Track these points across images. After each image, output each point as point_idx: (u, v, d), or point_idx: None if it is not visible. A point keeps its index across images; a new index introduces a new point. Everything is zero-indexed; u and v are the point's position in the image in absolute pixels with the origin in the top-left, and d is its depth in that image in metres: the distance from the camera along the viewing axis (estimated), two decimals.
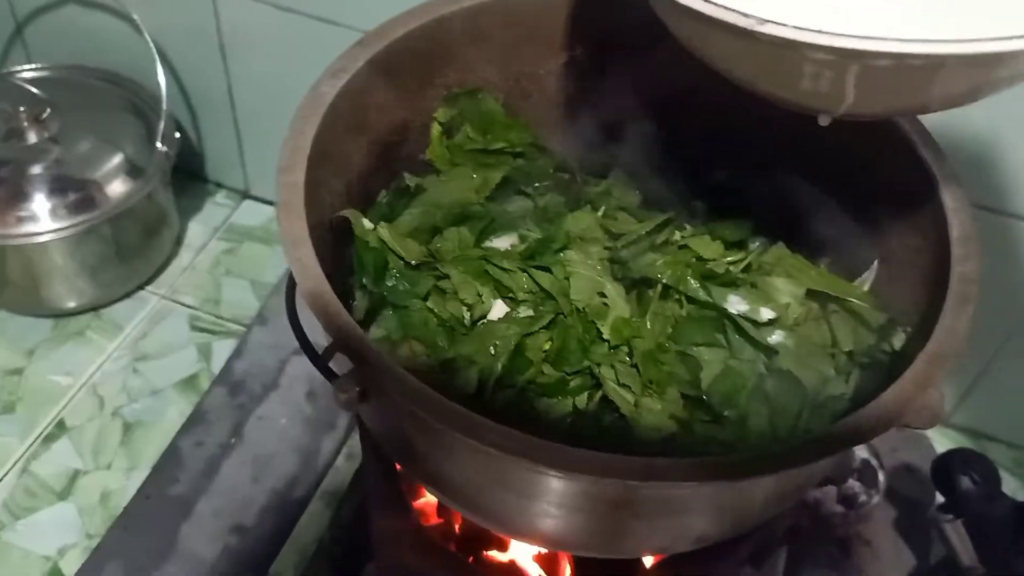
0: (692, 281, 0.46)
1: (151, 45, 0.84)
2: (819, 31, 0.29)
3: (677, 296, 0.47)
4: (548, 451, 0.33)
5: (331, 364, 0.39)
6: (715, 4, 0.30)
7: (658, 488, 0.34)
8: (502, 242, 0.53)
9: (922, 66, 0.29)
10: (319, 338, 0.41)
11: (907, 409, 0.34)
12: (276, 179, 0.41)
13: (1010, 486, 0.84)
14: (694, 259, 0.48)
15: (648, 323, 0.47)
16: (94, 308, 0.90)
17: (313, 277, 0.38)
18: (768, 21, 0.29)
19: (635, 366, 0.46)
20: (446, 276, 0.48)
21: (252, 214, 1.00)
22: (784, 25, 0.29)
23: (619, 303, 0.47)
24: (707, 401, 0.44)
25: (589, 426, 0.44)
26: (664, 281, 0.46)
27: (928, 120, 0.46)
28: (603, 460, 0.33)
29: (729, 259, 0.48)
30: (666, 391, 0.44)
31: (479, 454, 0.35)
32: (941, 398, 0.35)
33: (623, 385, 0.44)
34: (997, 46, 0.28)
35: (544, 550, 0.55)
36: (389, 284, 0.48)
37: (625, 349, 0.46)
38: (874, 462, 0.76)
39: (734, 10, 0.30)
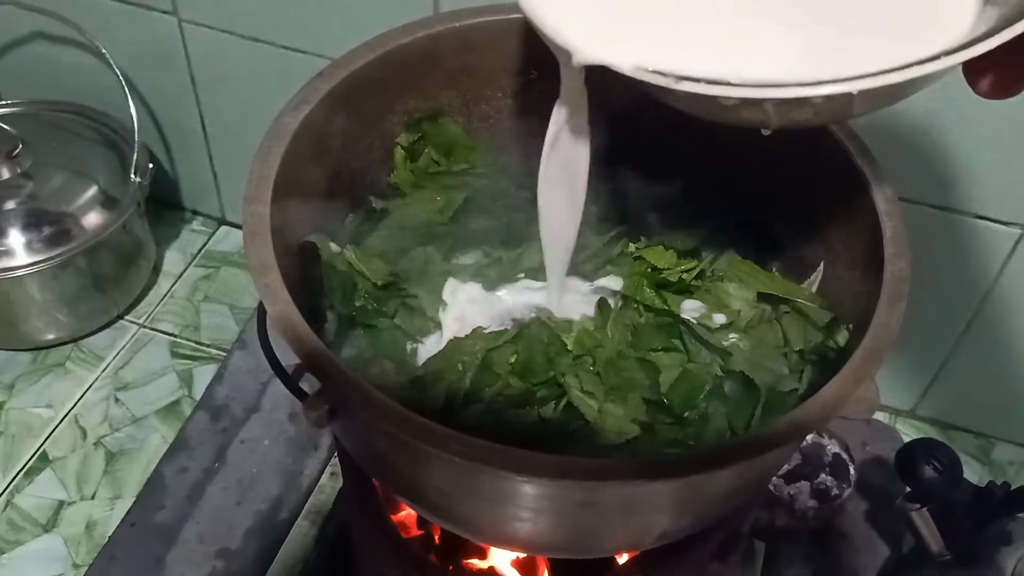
0: (647, 290, 0.48)
1: (120, 77, 0.86)
2: (729, 84, 0.31)
3: (635, 305, 0.49)
4: (508, 456, 0.34)
5: (302, 384, 0.41)
6: (637, 67, 0.33)
7: (613, 487, 0.35)
8: (467, 259, 0.55)
9: (829, 99, 0.31)
10: (292, 360, 0.43)
11: (845, 402, 0.36)
12: (242, 208, 0.43)
13: (976, 473, 0.87)
14: (649, 269, 0.50)
15: (609, 332, 0.49)
16: (73, 339, 0.91)
17: (281, 301, 0.39)
18: (684, 79, 0.32)
19: (598, 374, 0.47)
20: (414, 296, 0.50)
21: (229, 240, 1.02)
22: (698, 81, 0.31)
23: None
24: (667, 404, 0.46)
25: (555, 434, 0.46)
26: (621, 292, 0.48)
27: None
28: (561, 462, 0.35)
29: (682, 267, 0.50)
30: (628, 396, 0.46)
31: (445, 463, 0.37)
32: (876, 390, 0.37)
33: (587, 392, 0.46)
34: (894, 77, 0.30)
35: (521, 555, 0.56)
36: (358, 304, 0.49)
37: (589, 359, 0.48)
38: (845, 456, 0.78)
39: (652, 71, 0.32)
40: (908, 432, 0.88)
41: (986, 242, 0.74)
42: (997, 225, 0.73)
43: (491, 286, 0.52)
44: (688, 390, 0.46)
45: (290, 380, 0.38)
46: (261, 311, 0.44)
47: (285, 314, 0.38)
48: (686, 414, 0.46)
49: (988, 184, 0.71)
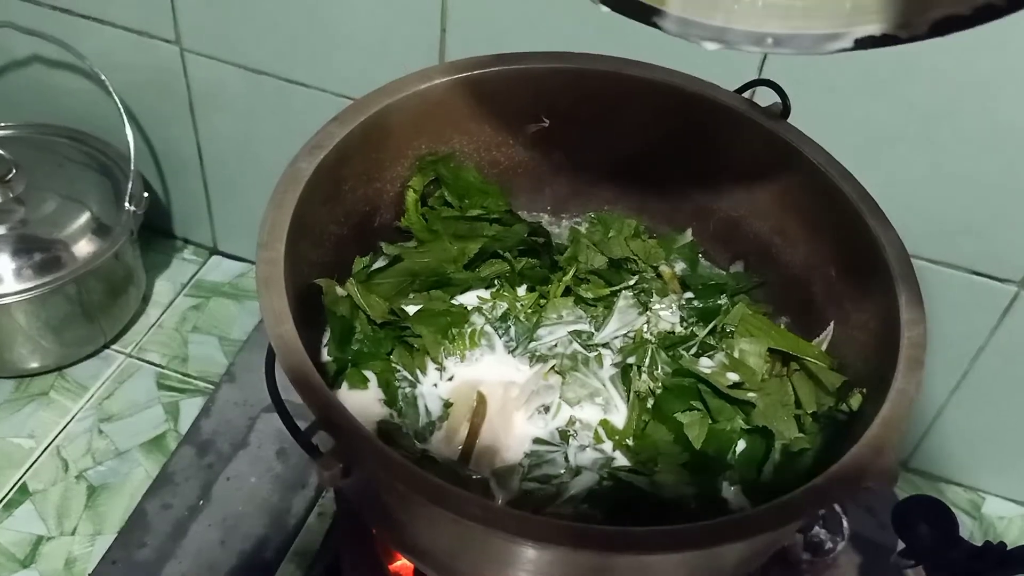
0: (661, 352, 0.48)
1: (119, 104, 0.85)
2: None
3: (655, 370, 0.49)
4: (527, 523, 0.34)
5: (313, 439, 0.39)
6: None
7: (631, 559, 0.35)
8: (467, 298, 0.54)
9: None
10: (292, 398, 0.42)
11: (867, 472, 0.36)
12: (257, 255, 0.42)
13: (967, 527, 0.87)
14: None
15: (633, 409, 0.48)
16: (58, 368, 0.88)
17: (295, 353, 0.39)
18: None
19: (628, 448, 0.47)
20: (417, 335, 0.50)
21: (220, 270, 1.00)
22: None
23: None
24: (705, 460, 0.45)
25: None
26: (634, 363, 0.48)
27: None
28: (579, 530, 0.34)
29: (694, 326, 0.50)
30: (659, 462, 0.46)
31: (459, 526, 0.36)
32: (896, 459, 0.37)
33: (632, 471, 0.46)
34: None
35: None
36: (354, 348, 0.49)
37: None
38: (838, 508, 0.78)
39: None
40: (900, 485, 0.88)
41: (982, 298, 0.75)
42: (994, 282, 0.74)
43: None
44: (718, 446, 0.46)
45: (302, 436, 0.37)
46: (270, 360, 0.43)
47: (300, 369, 0.37)
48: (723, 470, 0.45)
49: (986, 240, 0.72)
